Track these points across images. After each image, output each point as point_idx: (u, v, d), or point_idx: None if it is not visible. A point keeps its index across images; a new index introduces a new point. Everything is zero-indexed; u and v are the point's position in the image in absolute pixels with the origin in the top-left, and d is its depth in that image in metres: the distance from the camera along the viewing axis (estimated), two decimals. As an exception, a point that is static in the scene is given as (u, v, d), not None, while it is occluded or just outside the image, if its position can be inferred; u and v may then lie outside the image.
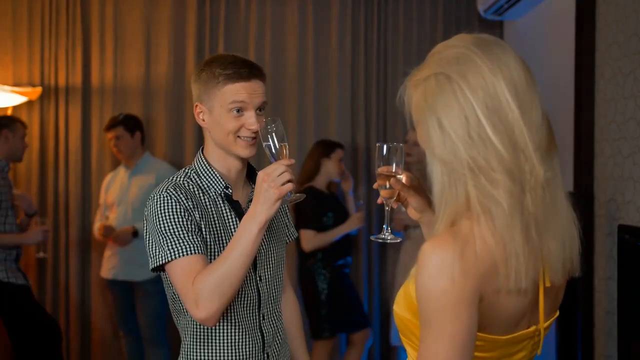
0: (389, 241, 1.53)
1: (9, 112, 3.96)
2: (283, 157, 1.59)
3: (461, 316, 0.99)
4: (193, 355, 1.70)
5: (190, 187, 1.69)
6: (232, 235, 1.63)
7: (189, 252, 1.57)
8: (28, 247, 3.87)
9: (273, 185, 1.52)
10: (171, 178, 1.72)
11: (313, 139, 4.10)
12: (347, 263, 3.82)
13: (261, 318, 1.73)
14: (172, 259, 1.57)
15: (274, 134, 1.58)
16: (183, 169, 1.77)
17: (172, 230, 1.58)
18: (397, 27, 4.33)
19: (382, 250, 4.30)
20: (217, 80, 1.66)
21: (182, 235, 1.58)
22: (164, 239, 1.58)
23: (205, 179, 1.71)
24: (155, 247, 1.60)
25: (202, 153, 1.76)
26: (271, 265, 1.76)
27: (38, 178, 4.16)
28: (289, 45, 4.29)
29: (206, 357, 1.69)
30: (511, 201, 1.02)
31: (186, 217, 1.60)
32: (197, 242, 1.59)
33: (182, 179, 1.71)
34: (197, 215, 1.63)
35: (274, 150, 1.58)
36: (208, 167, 1.72)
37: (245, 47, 4.24)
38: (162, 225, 1.59)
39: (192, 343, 1.70)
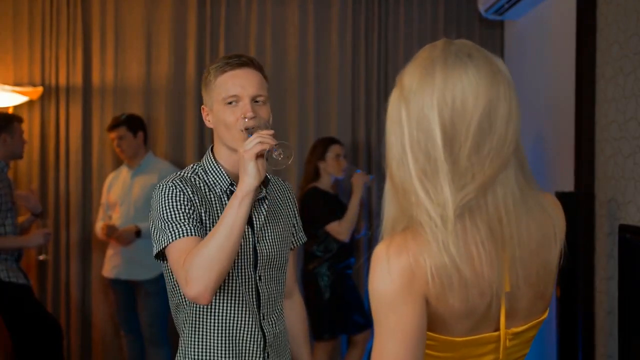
0: None
1: (10, 112, 3.96)
2: None
3: (403, 313, 1.03)
4: (191, 353, 1.70)
5: (197, 182, 1.70)
6: None
7: (185, 234, 1.58)
8: (29, 249, 3.86)
9: (243, 151, 1.54)
10: (178, 172, 1.74)
11: (314, 139, 4.09)
12: (350, 264, 3.82)
13: (261, 317, 1.73)
14: (170, 242, 1.58)
15: (256, 127, 1.62)
16: (190, 165, 1.78)
17: (173, 217, 1.60)
18: (397, 26, 4.33)
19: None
20: (211, 77, 1.70)
21: (182, 221, 1.59)
22: (166, 224, 1.60)
23: (211, 176, 1.73)
24: (158, 232, 1.62)
25: (212, 151, 1.77)
26: (273, 266, 1.76)
27: (39, 178, 4.16)
28: (290, 45, 4.29)
29: (204, 354, 1.69)
30: (423, 229, 1.04)
31: (189, 206, 1.62)
32: (196, 228, 1.60)
33: (189, 174, 1.73)
34: (203, 211, 1.65)
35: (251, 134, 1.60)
36: (215, 164, 1.73)
37: (246, 47, 4.24)
38: (164, 212, 1.61)
39: (189, 339, 1.70)
